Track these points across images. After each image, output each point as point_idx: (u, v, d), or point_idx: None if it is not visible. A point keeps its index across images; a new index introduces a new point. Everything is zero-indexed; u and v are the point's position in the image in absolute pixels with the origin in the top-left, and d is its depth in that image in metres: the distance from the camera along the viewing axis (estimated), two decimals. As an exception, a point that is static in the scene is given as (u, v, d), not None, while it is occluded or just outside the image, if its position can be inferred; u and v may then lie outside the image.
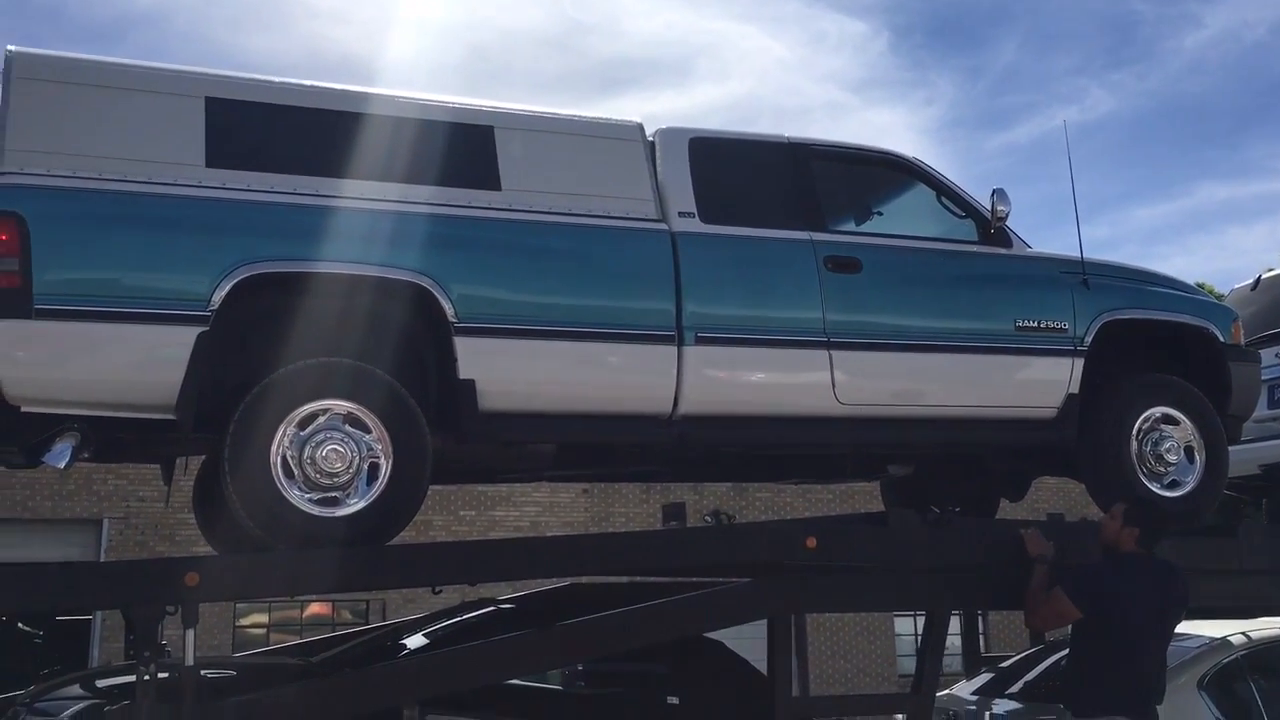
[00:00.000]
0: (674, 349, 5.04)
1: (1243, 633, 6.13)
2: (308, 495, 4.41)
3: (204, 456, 5.63)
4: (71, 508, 16.75)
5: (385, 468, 4.52)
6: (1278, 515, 8.70)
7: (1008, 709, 6.28)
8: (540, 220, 5.00)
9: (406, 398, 4.61)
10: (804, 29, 56.20)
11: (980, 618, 12.44)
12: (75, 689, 5.18)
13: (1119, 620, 4.94)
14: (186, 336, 4.33)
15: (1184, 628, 5.53)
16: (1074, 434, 5.73)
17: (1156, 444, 5.77)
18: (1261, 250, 57.50)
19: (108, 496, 16.84)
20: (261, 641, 15.94)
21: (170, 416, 4.38)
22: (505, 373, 4.81)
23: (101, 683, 5.19)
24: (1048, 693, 6.04)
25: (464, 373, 4.72)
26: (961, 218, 5.81)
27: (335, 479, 4.44)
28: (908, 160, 5.88)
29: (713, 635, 5.63)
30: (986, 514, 6.81)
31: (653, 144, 5.40)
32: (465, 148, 5.04)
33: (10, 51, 4.54)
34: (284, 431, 4.41)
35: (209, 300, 4.37)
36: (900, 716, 5.88)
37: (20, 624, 16.11)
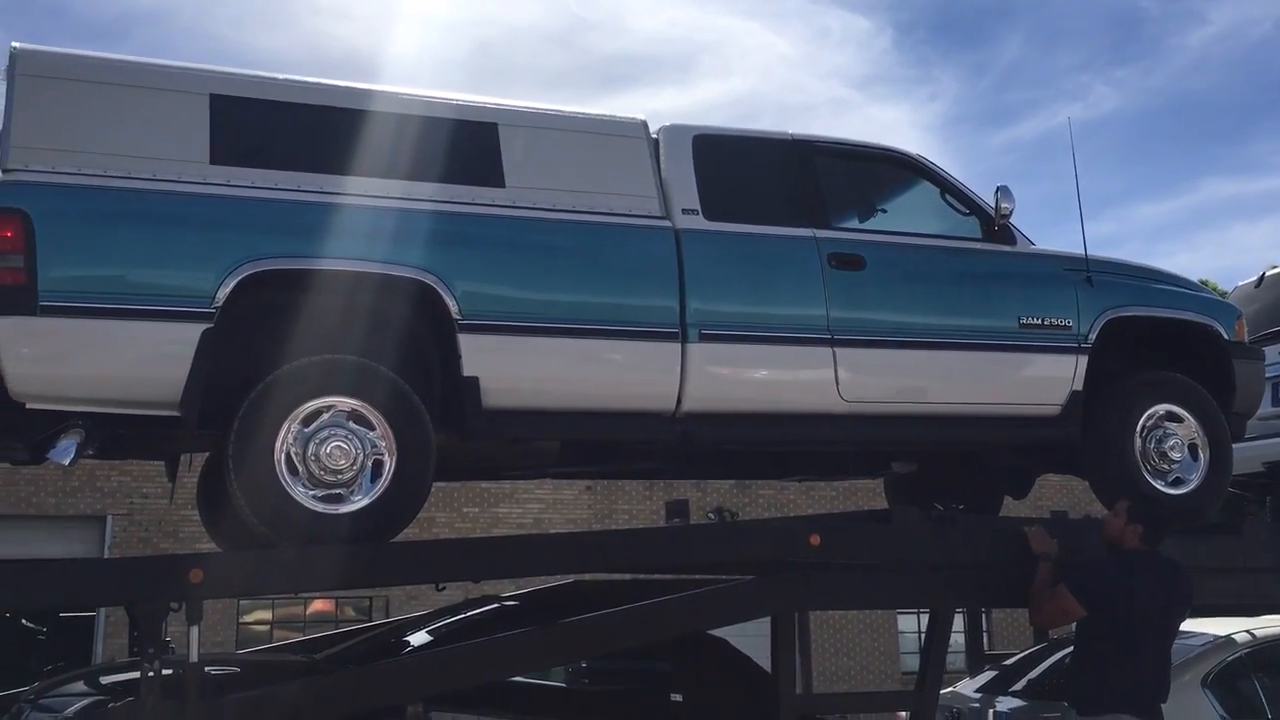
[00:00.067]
0: (678, 346, 5.04)
1: (1247, 631, 6.14)
2: (312, 492, 4.41)
3: (208, 453, 5.64)
4: (75, 504, 16.76)
5: (389, 465, 4.52)
6: (1282, 513, 8.69)
7: (1011, 707, 6.29)
8: (544, 217, 5.00)
9: (410, 395, 4.61)
10: (807, 25, 56.23)
11: (984, 615, 12.43)
12: (79, 685, 5.18)
13: (1123, 618, 4.94)
14: (191, 333, 4.34)
15: (1188, 626, 5.53)
16: (1078, 431, 5.73)
17: (1160, 441, 5.76)
18: (1266, 247, 57.52)
19: (111, 493, 16.85)
20: (264, 638, 15.95)
21: (175, 413, 4.38)
22: (509, 369, 4.81)
23: (105, 679, 5.19)
24: (1051, 690, 6.06)
25: (468, 370, 4.72)
26: (965, 215, 5.80)
27: (339, 476, 4.44)
28: (911, 157, 5.87)
29: (716, 633, 5.64)
30: (990, 511, 6.81)
31: (656, 141, 5.40)
32: (469, 145, 5.04)
33: (15, 48, 4.55)
34: (288, 428, 4.41)
35: (213, 297, 4.37)
36: (904, 714, 5.89)
37: (24, 621, 16.13)
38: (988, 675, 7.07)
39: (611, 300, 5.01)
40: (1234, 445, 6.02)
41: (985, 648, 9.10)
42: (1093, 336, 5.72)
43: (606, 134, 5.31)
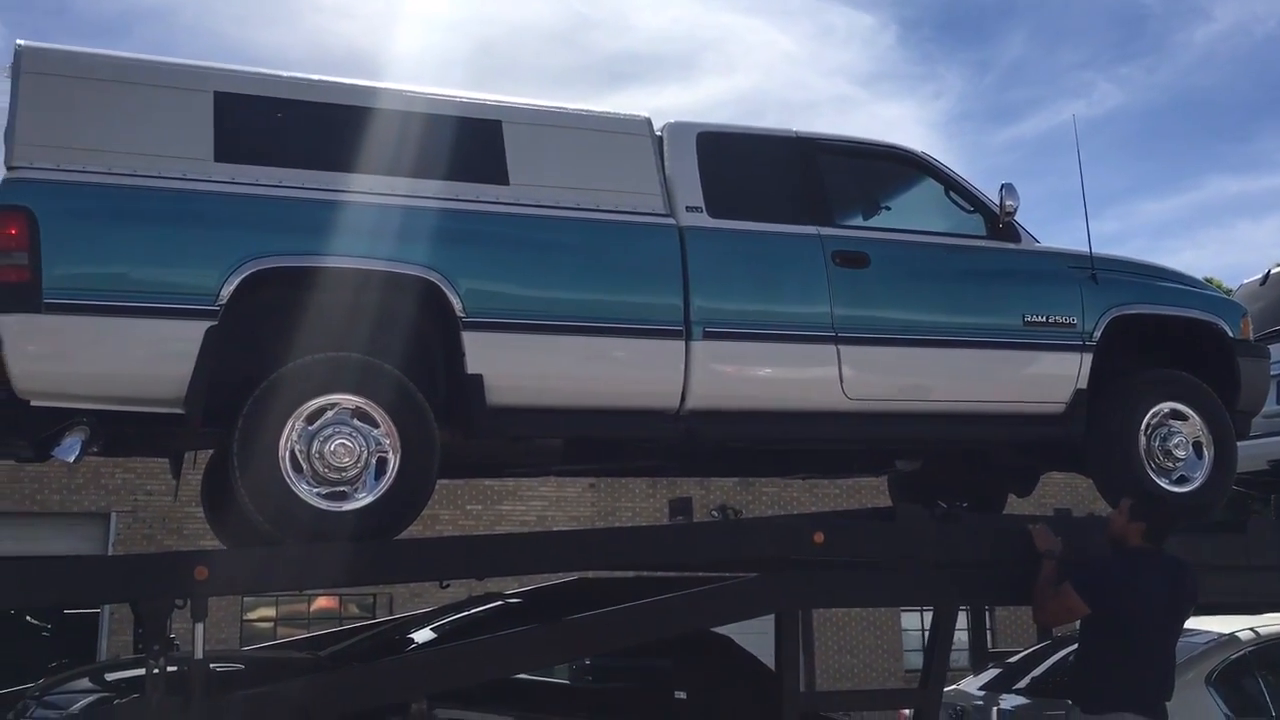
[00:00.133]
0: (682, 344, 5.04)
1: (1251, 628, 6.13)
2: (316, 489, 4.42)
3: (212, 451, 5.64)
4: (80, 501, 16.79)
5: (393, 462, 4.53)
6: (1286, 511, 8.69)
7: (1015, 704, 6.27)
8: (548, 215, 5.00)
9: (414, 392, 4.62)
10: (812, 22, 56.19)
11: (988, 613, 12.41)
12: (84, 682, 5.20)
13: (1127, 615, 4.93)
14: (195, 331, 4.34)
15: (1192, 623, 5.53)
16: (1082, 429, 5.72)
17: (1165, 439, 5.75)
18: (1271, 245, 57.34)
19: (116, 490, 16.87)
20: (268, 635, 15.97)
21: (179, 411, 4.38)
22: (513, 367, 4.81)
23: (110, 676, 5.21)
24: (1055, 688, 6.05)
25: (472, 367, 4.72)
26: (970, 212, 5.80)
27: (343, 473, 4.45)
28: (916, 155, 5.86)
29: (720, 630, 5.64)
30: (994, 509, 6.81)
31: (660, 139, 5.39)
32: (473, 142, 5.04)
33: (20, 46, 4.55)
34: (292, 426, 4.41)
35: (218, 295, 4.37)
36: (908, 712, 5.88)
37: (29, 618, 16.15)
38: (991, 673, 7.05)
39: (615, 298, 5.01)
40: (1239, 443, 6.01)
41: (989, 645, 9.08)
42: (1097, 334, 5.71)
43: (611, 131, 5.30)
